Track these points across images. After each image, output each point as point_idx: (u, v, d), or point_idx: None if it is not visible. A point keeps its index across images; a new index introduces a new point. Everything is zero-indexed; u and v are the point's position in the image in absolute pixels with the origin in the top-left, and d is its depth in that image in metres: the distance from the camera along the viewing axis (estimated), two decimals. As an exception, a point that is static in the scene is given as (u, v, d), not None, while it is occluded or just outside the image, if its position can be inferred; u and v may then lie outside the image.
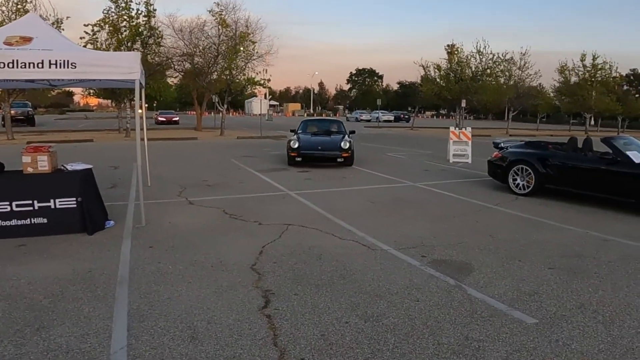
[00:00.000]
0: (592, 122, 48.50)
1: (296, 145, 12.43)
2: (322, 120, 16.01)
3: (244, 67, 27.64)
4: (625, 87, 52.10)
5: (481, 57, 31.69)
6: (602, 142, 8.36)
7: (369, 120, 55.65)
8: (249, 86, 29.45)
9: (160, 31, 24.62)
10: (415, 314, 3.80)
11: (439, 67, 33.03)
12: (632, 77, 62.99)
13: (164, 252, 5.30)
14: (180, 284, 4.37)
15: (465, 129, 15.73)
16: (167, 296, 4.07)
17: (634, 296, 4.24)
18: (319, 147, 12.55)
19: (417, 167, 13.67)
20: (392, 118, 58.04)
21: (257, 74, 28.23)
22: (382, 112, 53.09)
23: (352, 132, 14.85)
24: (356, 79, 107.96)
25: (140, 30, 23.11)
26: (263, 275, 4.62)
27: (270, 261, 5.06)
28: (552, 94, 42.51)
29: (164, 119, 41.47)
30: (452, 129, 15.84)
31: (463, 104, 32.09)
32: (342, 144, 12.65)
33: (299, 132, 13.75)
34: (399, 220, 6.98)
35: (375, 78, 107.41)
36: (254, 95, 39.33)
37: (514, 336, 3.45)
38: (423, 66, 33.60)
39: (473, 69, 32.21)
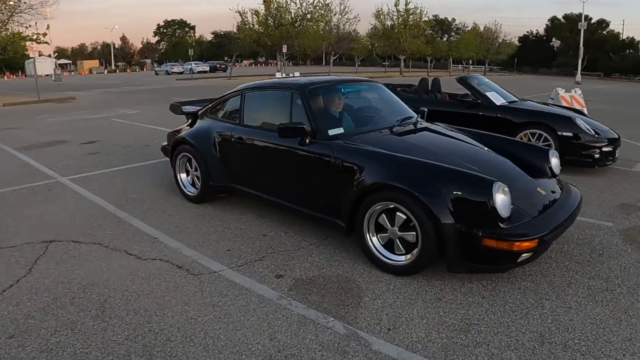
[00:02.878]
0: (403, 64, 52.71)
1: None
2: None
3: (6, 20, 21.52)
4: (430, 32, 57.45)
5: (301, 1, 30.87)
6: (458, 82, 7.68)
7: (181, 73, 51.24)
8: (21, 43, 23.28)
9: None
10: None
11: (257, 13, 31.26)
12: (434, 22, 70.07)
13: None
14: None
15: (294, 75, 14.20)
16: None
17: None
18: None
19: None
20: (207, 69, 54.56)
21: (26, 28, 22.38)
22: (195, 63, 49.13)
23: None
24: (165, 30, 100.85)
25: None
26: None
27: (2, 337, 2.61)
28: (366, 38, 44.22)
29: None
30: (277, 74, 14.16)
31: (284, 50, 30.80)
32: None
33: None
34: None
35: (187, 29, 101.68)
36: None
37: None
38: (240, 12, 31.41)
39: (293, 14, 31.13)
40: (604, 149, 6.46)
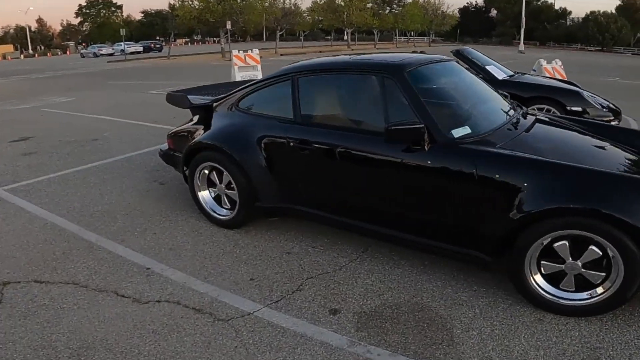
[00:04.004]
0: (346, 37, 52.22)
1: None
2: None
3: None
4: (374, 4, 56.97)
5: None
6: (455, 55, 7.02)
7: (111, 54, 47.97)
8: None
9: None
10: None
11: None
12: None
13: None
14: None
15: (252, 51, 13.13)
16: None
17: None
18: None
19: None
20: (140, 49, 51.46)
21: None
22: (126, 44, 46.11)
23: None
24: (88, 11, 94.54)
25: None
26: None
27: None
28: (312, 12, 43.14)
29: None
30: (235, 52, 13.06)
31: (228, 26, 29.19)
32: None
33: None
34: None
35: (113, 9, 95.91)
36: None
37: None
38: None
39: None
40: (611, 123, 6.14)
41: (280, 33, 37.91)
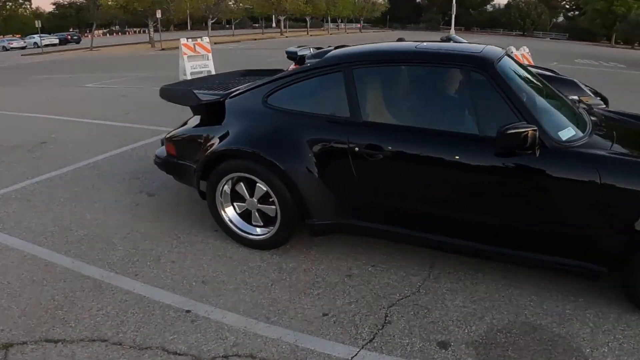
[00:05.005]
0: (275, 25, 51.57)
1: None
2: None
3: None
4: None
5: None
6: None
7: (23, 48, 44.19)
8: None
9: None
10: None
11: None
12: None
13: None
14: None
15: (202, 40, 12.28)
16: None
17: None
18: None
19: (159, 99, 9.49)
20: (56, 41, 47.81)
21: None
22: (40, 36, 42.61)
23: None
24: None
25: None
26: None
27: None
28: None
29: None
30: (184, 40, 12.11)
31: (159, 15, 27.50)
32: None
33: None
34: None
35: (21, 1, 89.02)
36: None
37: None
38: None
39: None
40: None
41: (213, 21, 36.42)
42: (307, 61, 7.07)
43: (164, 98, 3.75)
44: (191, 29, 61.18)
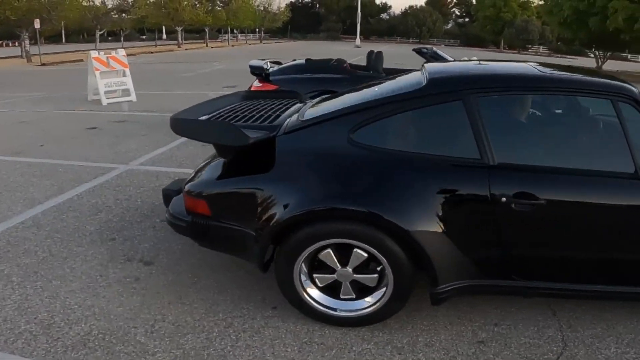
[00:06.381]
0: (165, 37, 49.68)
1: None
2: None
3: None
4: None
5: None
6: (421, 54, 6.98)
7: None
8: None
9: None
10: None
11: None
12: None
13: None
14: None
15: (116, 53, 10.84)
16: None
17: None
18: None
19: (72, 125, 7.90)
20: None
21: None
22: None
23: None
24: None
25: None
26: None
27: None
28: (137, 9, 39.37)
29: None
30: (94, 54, 10.57)
31: (37, 25, 24.61)
32: None
33: None
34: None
35: None
36: None
37: None
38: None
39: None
40: None
41: (101, 33, 33.63)
42: (271, 77, 6.26)
43: (181, 134, 2.75)
44: (66, 41, 56.61)
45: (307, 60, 6.75)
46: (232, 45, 48.01)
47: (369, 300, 2.42)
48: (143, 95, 10.87)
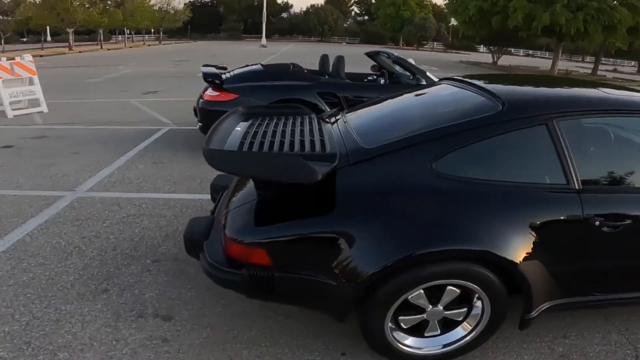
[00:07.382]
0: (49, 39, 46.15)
1: None
2: None
3: None
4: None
5: None
6: (377, 59, 6.80)
7: None
8: None
9: None
10: None
11: None
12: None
13: None
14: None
15: (22, 59, 9.65)
16: None
17: None
18: None
19: None
20: None
21: None
22: None
23: None
24: None
25: None
26: None
27: None
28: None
29: None
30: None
31: None
32: None
33: None
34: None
35: None
36: None
37: None
38: None
39: None
40: None
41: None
42: (226, 85, 5.82)
43: (228, 170, 2.24)
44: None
45: (263, 65, 6.40)
46: (130, 47, 45.29)
47: (460, 333, 2.34)
48: (54, 104, 9.78)
